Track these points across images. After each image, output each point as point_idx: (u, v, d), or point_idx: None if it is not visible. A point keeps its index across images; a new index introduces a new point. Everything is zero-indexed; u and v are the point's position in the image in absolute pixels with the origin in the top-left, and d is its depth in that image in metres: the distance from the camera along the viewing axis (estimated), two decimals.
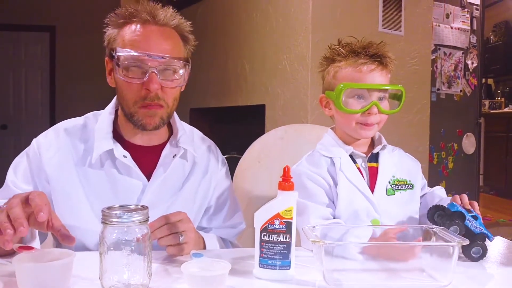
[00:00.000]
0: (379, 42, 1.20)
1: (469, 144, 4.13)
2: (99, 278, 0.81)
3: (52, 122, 1.11)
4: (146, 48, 1.05)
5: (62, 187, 1.11)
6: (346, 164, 1.18)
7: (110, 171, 1.11)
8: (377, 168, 1.20)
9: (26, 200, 0.85)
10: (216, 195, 1.26)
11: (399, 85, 1.20)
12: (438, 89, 3.88)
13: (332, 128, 1.28)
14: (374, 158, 1.22)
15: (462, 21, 3.97)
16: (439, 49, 3.85)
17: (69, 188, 1.11)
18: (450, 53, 3.93)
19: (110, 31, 1.11)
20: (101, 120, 1.15)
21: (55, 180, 1.11)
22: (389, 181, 1.18)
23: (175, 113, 1.20)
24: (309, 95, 2.77)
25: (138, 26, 1.07)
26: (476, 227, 1.06)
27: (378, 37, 2.99)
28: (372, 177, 1.19)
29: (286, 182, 0.90)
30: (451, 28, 3.90)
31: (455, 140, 4.07)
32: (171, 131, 1.22)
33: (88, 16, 5.40)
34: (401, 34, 3.10)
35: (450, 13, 3.88)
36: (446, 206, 1.09)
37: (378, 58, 1.16)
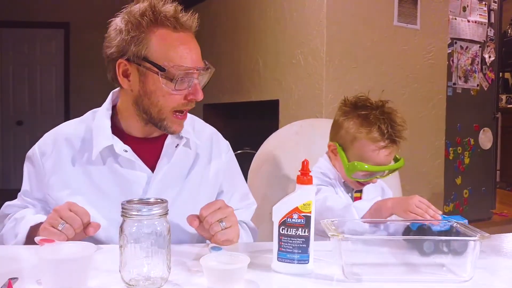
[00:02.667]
0: (399, 120, 1.30)
1: (485, 139, 4.08)
2: (119, 270, 0.81)
3: (67, 118, 1.13)
4: (192, 61, 1.05)
5: (67, 188, 1.11)
6: (340, 192, 1.37)
7: (113, 167, 1.11)
8: (360, 198, 1.40)
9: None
10: (227, 179, 1.27)
11: (401, 160, 1.35)
12: (454, 84, 3.83)
13: (325, 157, 1.43)
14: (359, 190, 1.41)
15: (479, 14, 3.91)
16: (456, 42, 3.80)
17: (73, 188, 1.11)
18: (467, 47, 3.87)
19: (130, 34, 1.03)
20: (98, 118, 1.14)
21: (60, 184, 1.11)
22: None
23: None
24: (324, 89, 2.76)
25: (172, 33, 1.04)
26: (440, 226, 1.03)
27: (393, 31, 2.98)
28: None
29: (304, 176, 0.90)
30: (468, 21, 3.84)
31: (472, 135, 4.01)
32: None
33: (102, 12, 5.41)
34: (417, 28, 3.07)
35: (467, 6, 3.82)
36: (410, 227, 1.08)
37: (395, 143, 1.29)
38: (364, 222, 1.14)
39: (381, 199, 1.21)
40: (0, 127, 6.03)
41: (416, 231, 1.04)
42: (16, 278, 0.82)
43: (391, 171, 1.37)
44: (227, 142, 1.31)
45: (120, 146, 1.10)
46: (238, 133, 4.17)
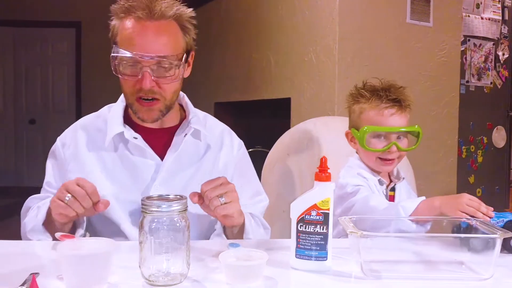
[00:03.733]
0: (399, 86, 1.37)
1: (499, 137, 4.04)
2: (139, 266, 0.82)
3: (78, 117, 1.22)
4: (140, 47, 1.07)
5: (81, 173, 1.14)
6: (377, 187, 1.37)
7: (123, 153, 1.17)
8: (393, 196, 1.40)
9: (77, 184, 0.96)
10: (238, 175, 1.27)
11: (416, 126, 1.36)
12: (467, 81, 3.79)
13: (356, 156, 1.45)
14: (392, 188, 1.42)
15: (493, 11, 3.86)
16: (469, 40, 3.76)
17: (89, 173, 1.15)
18: (480, 44, 3.84)
19: (113, 22, 1.14)
20: (113, 109, 1.22)
21: (77, 169, 1.18)
22: None
23: (187, 99, 1.26)
24: (336, 87, 2.75)
25: (134, 22, 1.08)
26: (497, 222, 1.03)
27: (406, 29, 2.96)
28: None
29: (323, 172, 0.89)
30: (482, 18, 3.80)
31: (485, 133, 3.98)
32: (184, 115, 1.26)
33: None
34: (430, 25, 3.04)
35: (481, 3, 3.78)
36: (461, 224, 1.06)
37: (398, 102, 1.33)
38: (410, 220, 1.12)
39: (428, 198, 1.18)
40: (13, 125, 6.10)
41: (466, 229, 1.02)
42: (37, 273, 0.83)
43: (404, 133, 1.36)
44: (241, 140, 1.33)
45: (130, 133, 1.16)
46: (250, 131, 4.17)
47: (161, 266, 0.81)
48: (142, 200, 0.81)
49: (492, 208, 1.09)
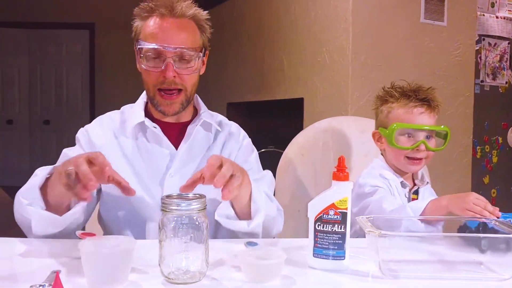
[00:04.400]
0: (428, 87, 1.40)
1: None
2: (159, 264, 0.83)
3: (92, 118, 1.29)
4: (163, 40, 1.18)
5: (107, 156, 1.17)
6: (398, 189, 1.38)
7: (142, 141, 1.26)
8: (416, 199, 1.39)
9: (88, 160, 0.93)
10: (240, 161, 1.26)
11: (442, 126, 1.38)
12: (482, 81, 3.75)
13: (381, 158, 1.46)
14: (415, 191, 1.42)
15: (508, 10, 3.82)
16: (484, 39, 3.72)
17: (112, 156, 1.19)
18: (495, 44, 3.79)
19: (136, 23, 1.25)
20: (135, 105, 1.33)
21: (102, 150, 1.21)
22: None
23: (199, 99, 1.37)
24: (349, 87, 2.74)
25: (158, 19, 1.21)
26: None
27: (420, 28, 2.95)
28: None
29: (341, 172, 0.90)
30: (497, 17, 3.76)
31: (500, 133, 3.93)
32: (196, 112, 1.36)
33: (126, 12, 5.47)
34: (444, 25, 3.02)
35: (496, 1, 3.74)
36: (468, 225, 1.06)
37: (427, 101, 1.35)
38: (419, 220, 1.14)
39: (436, 198, 1.20)
40: (28, 126, 6.17)
41: (475, 229, 1.02)
42: (59, 271, 0.84)
43: (432, 133, 1.37)
44: (245, 133, 1.40)
45: (150, 123, 1.26)
46: (262, 131, 4.17)
47: (180, 264, 0.82)
48: (162, 199, 0.82)
49: (498, 208, 1.09)
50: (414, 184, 1.43)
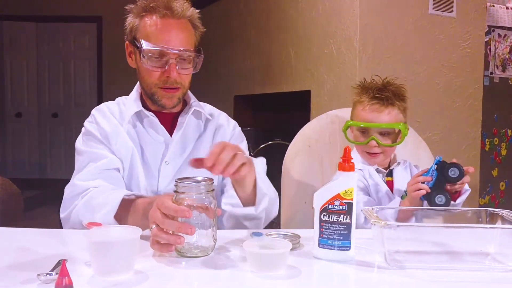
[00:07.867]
0: (395, 85, 1.43)
1: None
2: None
3: None
4: (167, 41, 1.21)
5: (119, 145, 1.28)
6: (375, 176, 1.44)
7: (141, 130, 1.31)
8: (392, 181, 1.45)
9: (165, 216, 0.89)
10: None
11: (400, 124, 1.39)
12: (491, 73, 3.71)
13: (355, 150, 1.50)
14: (390, 173, 1.47)
15: None
16: (493, 30, 3.68)
17: (124, 142, 1.28)
18: (505, 35, 3.75)
19: (131, 19, 1.28)
20: (129, 96, 1.36)
21: (116, 141, 1.29)
22: (404, 192, 1.39)
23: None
24: (357, 79, 2.72)
25: (158, 19, 1.22)
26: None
27: (428, 20, 2.92)
28: (390, 187, 1.44)
29: (346, 162, 0.89)
30: (507, 8, 3.71)
31: (509, 125, 3.89)
32: (186, 103, 1.41)
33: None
34: (453, 16, 2.99)
35: None
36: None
37: (381, 100, 1.38)
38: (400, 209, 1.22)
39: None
40: (37, 119, 6.22)
41: (441, 163, 1.22)
42: (66, 260, 0.85)
43: (383, 130, 1.39)
44: (235, 122, 1.45)
45: (147, 112, 1.30)
46: (269, 124, 4.17)
47: (191, 239, 0.90)
48: (175, 180, 0.91)
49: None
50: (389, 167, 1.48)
